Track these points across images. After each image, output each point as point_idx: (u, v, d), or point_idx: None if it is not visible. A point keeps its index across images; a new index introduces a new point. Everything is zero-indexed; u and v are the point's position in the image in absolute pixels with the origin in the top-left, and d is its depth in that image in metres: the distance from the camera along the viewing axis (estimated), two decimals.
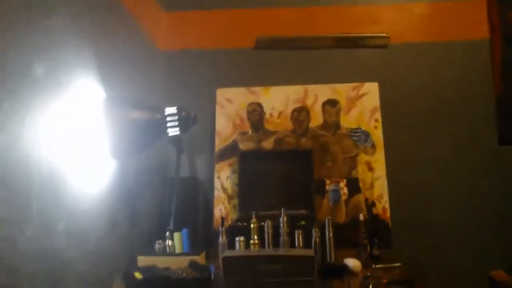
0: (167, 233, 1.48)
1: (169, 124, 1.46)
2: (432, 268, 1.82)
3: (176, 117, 1.45)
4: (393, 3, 2.04)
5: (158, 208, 1.81)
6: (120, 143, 1.38)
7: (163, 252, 1.44)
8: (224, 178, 1.94)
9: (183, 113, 1.48)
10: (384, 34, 2.04)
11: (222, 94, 2.04)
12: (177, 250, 1.46)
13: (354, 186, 1.89)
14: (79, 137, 1.18)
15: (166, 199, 1.77)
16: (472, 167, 1.92)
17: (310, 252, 1.32)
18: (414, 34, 2.02)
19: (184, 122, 1.48)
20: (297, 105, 2.01)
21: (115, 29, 1.50)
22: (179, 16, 2.10)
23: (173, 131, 1.47)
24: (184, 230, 1.50)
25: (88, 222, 1.19)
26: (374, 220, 1.82)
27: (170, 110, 1.46)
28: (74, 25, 1.17)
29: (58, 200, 1.04)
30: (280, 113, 2.01)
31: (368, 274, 1.30)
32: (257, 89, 2.04)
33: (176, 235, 1.48)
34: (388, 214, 1.84)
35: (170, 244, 1.45)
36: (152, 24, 1.96)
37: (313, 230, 1.48)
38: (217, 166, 1.96)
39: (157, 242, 1.45)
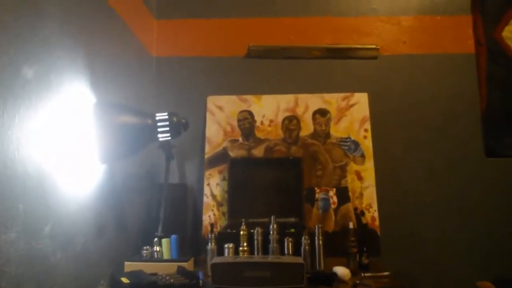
0: (155, 239, 1.46)
1: (159, 130, 1.45)
2: (420, 278, 1.82)
3: (167, 123, 1.45)
4: (382, 15, 2.09)
5: (146, 214, 1.79)
6: (109, 148, 1.37)
7: (151, 258, 1.42)
8: (214, 185, 1.93)
9: (174, 119, 1.47)
10: (374, 46, 2.08)
11: (213, 101, 2.05)
12: (165, 256, 1.44)
13: (343, 195, 1.90)
14: (68, 140, 1.16)
15: (154, 205, 1.75)
16: (460, 178, 1.94)
17: (299, 260, 1.32)
18: (403, 46, 2.06)
19: (175, 128, 1.47)
20: (288, 114, 2.03)
21: (107, 34, 1.50)
22: (170, 24, 2.12)
23: (164, 137, 1.47)
24: (173, 236, 1.48)
25: (74, 226, 1.17)
26: (363, 229, 1.82)
27: (161, 115, 1.46)
28: (66, 28, 1.17)
29: (45, 202, 1.03)
30: (270, 121, 2.02)
31: (357, 282, 1.30)
32: (248, 97, 2.05)
33: (165, 241, 1.46)
34: (377, 223, 1.85)
35: (158, 250, 1.43)
36: (144, 31, 1.97)
37: (303, 238, 1.47)
38: (207, 173, 1.95)
39: (144, 248, 1.43)
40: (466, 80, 2.01)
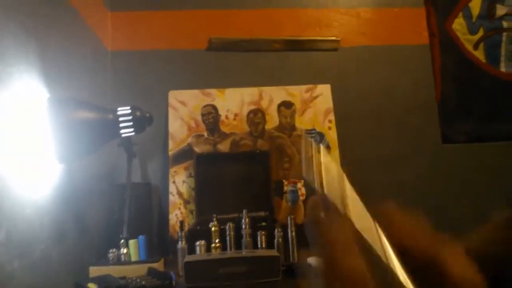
0: (122, 241, 1.38)
1: (122, 125, 1.37)
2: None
3: (130, 117, 1.37)
4: (342, 7, 2.12)
5: (108, 215, 1.69)
6: (67, 146, 1.27)
7: (118, 261, 1.33)
8: (180, 183, 1.86)
9: (138, 113, 1.40)
10: (334, 38, 2.10)
11: (175, 96, 1.97)
12: (133, 258, 1.36)
13: (311, 187, 1.90)
14: (21, 139, 1.06)
15: (117, 206, 1.65)
16: (420, 165, 2.01)
17: (274, 252, 1.30)
18: (362, 38, 2.10)
19: (139, 122, 1.40)
20: (253, 107, 2.00)
21: (60, 25, 1.39)
22: (125, 16, 2.02)
23: (127, 132, 1.39)
24: (141, 237, 1.40)
25: (31, 231, 1.07)
26: None
27: (124, 109, 1.38)
28: (19, 18, 1.06)
29: None
30: (235, 115, 1.99)
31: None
32: (212, 91, 2.00)
33: (132, 242, 1.38)
34: None
35: (125, 252, 1.35)
36: (99, 23, 1.86)
37: (276, 230, 1.46)
38: (172, 170, 1.88)
39: (110, 251, 1.34)
40: (423, 71, 2.09)
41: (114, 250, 1.34)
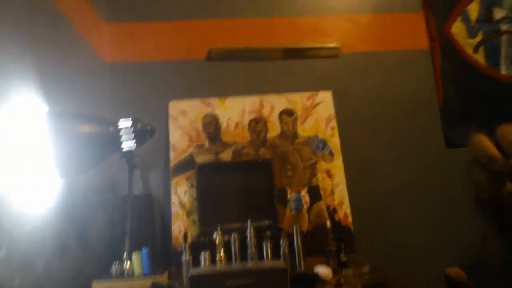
0: (125, 254, 1.35)
1: (123, 138, 1.35)
2: (395, 269, 1.84)
3: (132, 130, 1.35)
4: (340, 14, 2.11)
5: (111, 228, 1.67)
6: (67, 160, 1.25)
7: (121, 275, 1.31)
8: (182, 193, 1.84)
9: (139, 126, 1.38)
10: (335, 45, 2.09)
11: (175, 106, 1.96)
12: (137, 272, 1.33)
13: (315, 194, 1.88)
14: (20, 154, 1.04)
15: (119, 219, 1.63)
16: (424, 169, 1.99)
17: (281, 264, 1.27)
18: (362, 44, 2.10)
19: (140, 135, 1.38)
20: (254, 115, 1.99)
21: (57, 39, 1.38)
22: (123, 27, 2.01)
23: (128, 145, 1.37)
24: (144, 249, 1.38)
25: (33, 247, 1.05)
26: (336, 226, 1.81)
27: (125, 122, 1.36)
28: (14, 33, 1.05)
29: None
30: (237, 124, 1.97)
31: (342, 281, 1.27)
32: (212, 100, 1.99)
33: (135, 255, 1.36)
34: (349, 219, 1.84)
35: (128, 265, 1.32)
36: (95, 35, 1.85)
37: (282, 240, 1.43)
38: (174, 181, 1.85)
39: (113, 263, 1.32)
40: (424, 75, 2.08)
41: (117, 262, 1.31)
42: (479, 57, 2.21)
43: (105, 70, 1.93)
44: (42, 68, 1.20)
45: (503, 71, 2.21)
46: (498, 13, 2.23)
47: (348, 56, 2.08)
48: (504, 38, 2.23)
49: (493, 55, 2.22)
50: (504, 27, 2.22)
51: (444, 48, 2.18)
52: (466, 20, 2.22)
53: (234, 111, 1.98)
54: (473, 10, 2.24)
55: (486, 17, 2.24)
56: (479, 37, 2.22)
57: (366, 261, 1.56)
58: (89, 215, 1.49)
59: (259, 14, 2.08)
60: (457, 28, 2.21)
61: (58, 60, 1.38)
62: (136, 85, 1.97)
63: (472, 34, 2.22)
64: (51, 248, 1.15)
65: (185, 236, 1.44)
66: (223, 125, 1.96)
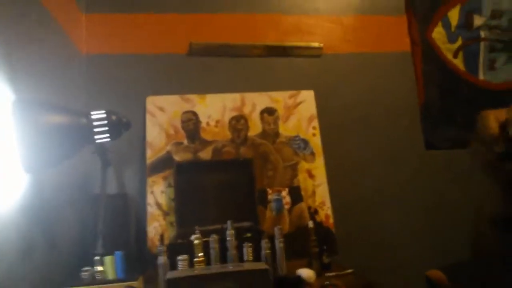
0: (97, 258, 1.26)
1: (96, 130, 1.26)
2: (377, 272, 1.82)
3: (106, 122, 1.27)
4: (325, 14, 2.09)
5: (81, 229, 1.56)
6: (34, 153, 1.15)
7: (92, 281, 1.21)
8: (158, 193, 1.76)
9: (113, 117, 1.29)
10: (317, 44, 2.07)
11: (153, 102, 1.88)
12: (110, 276, 1.25)
13: (296, 195, 1.84)
14: None
15: (90, 219, 1.53)
16: (404, 171, 2.00)
17: (262, 265, 1.21)
18: (345, 45, 2.08)
19: (115, 127, 1.29)
20: (235, 113, 1.93)
21: (29, 24, 1.28)
22: (101, 18, 1.91)
23: (102, 138, 1.28)
24: (118, 253, 1.29)
25: None
26: (318, 227, 1.78)
27: (98, 113, 1.27)
28: None
29: None
30: (217, 122, 1.91)
31: (327, 283, 1.23)
32: (192, 97, 1.92)
33: (108, 259, 1.27)
34: (331, 220, 1.81)
35: (100, 270, 1.23)
36: (72, 25, 1.75)
37: (263, 242, 1.37)
38: (150, 180, 1.77)
39: (84, 269, 1.22)
40: (405, 78, 2.09)
41: (88, 268, 1.21)
42: (458, 62, 2.24)
43: (82, 61, 1.83)
44: (10, 54, 1.10)
45: (481, 76, 2.25)
46: (478, 20, 2.27)
47: (331, 56, 2.06)
48: (482, 44, 2.27)
49: (471, 61, 2.26)
50: (483, 34, 2.26)
51: (425, 52, 2.20)
52: (447, 25, 2.25)
53: (214, 109, 1.92)
54: (454, 16, 2.27)
55: (466, 23, 2.28)
56: (458, 43, 2.25)
57: (349, 263, 1.53)
58: (58, 214, 1.38)
59: (242, 10, 2.04)
60: (438, 33, 2.24)
61: (31, 47, 1.27)
62: (113, 78, 1.88)
63: (452, 39, 2.25)
64: (14, 249, 1.05)
65: (161, 238, 1.36)
66: (203, 123, 1.89)
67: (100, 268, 1.23)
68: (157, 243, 1.39)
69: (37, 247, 1.18)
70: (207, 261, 1.35)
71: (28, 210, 1.13)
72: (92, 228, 1.47)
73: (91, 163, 1.57)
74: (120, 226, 1.64)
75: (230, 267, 1.23)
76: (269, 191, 1.84)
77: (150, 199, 1.74)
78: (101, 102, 1.78)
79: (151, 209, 1.73)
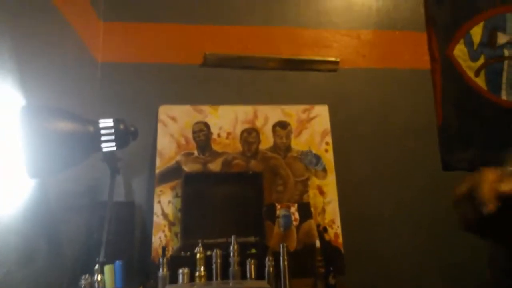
0: (96, 266, 1.25)
1: (103, 138, 1.27)
2: None
3: (113, 130, 1.27)
4: (342, 28, 2.07)
5: (86, 237, 1.56)
6: (41, 159, 1.16)
7: None
8: (165, 203, 1.75)
9: (121, 126, 1.30)
10: (334, 59, 2.04)
11: (165, 111, 1.88)
12: (108, 286, 1.23)
13: (305, 211, 1.80)
14: None
15: (96, 226, 1.53)
16: (419, 191, 1.92)
17: (264, 284, 1.18)
18: (362, 60, 2.05)
19: (122, 136, 1.29)
20: (247, 126, 1.91)
21: (47, 32, 1.30)
22: (119, 27, 1.94)
23: (108, 146, 1.28)
24: (118, 263, 1.28)
25: None
26: (326, 246, 1.72)
27: (106, 122, 1.27)
28: None
29: None
30: (228, 133, 1.89)
31: None
32: (204, 107, 1.91)
33: (107, 268, 1.26)
34: (340, 240, 1.76)
35: (99, 279, 1.22)
36: (90, 33, 1.78)
37: (267, 259, 1.34)
38: (158, 190, 1.76)
39: (83, 277, 1.21)
40: (423, 95, 2.03)
41: (87, 276, 1.20)
42: (480, 81, 2.16)
43: (96, 69, 1.86)
44: (23, 59, 1.12)
45: (504, 96, 2.16)
46: (502, 38, 2.19)
47: (347, 71, 2.03)
48: (506, 63, 2.18)
49: (494, 80, 2.17)
50: (507, 52, 2.18)
51: (445, 69, 2.13)
52: (469, 43, 2.18)
53: (226, 120, 1.90)
54: (477, 33, 2.20)
55: (489, 41, 2.20)
56: (481, 61, 2.18)
57: (355, 285, 1.47)
58: (62, 220, 1.38)
59: (259, 22, 2.03)
60: (459, 51, 2.17)
61: (44, 53, 1.29)
62: (128, 86, 1.89)
63: (474, 57, 2.18)
64: (15, 255, 1.05)
65: (163, 250, 1.34)
66: (214, 134, 1.88)
67: (99, 277, 1.22)
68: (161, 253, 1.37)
69: (39, 252, 1.18)
70: (209, 276, 1.32)
71: (32, 216, 1.14)
72: (97, 236, 1.47)
73: (99, 171, 1.57)
74: (125, 234, 1.63)
75: (231, 284, 1.19)
76: (278, 206, 1.80)
77: (157, 209, 1.73)
78: (114, 110, 1.80)
79: (157, 219, 1.71)
